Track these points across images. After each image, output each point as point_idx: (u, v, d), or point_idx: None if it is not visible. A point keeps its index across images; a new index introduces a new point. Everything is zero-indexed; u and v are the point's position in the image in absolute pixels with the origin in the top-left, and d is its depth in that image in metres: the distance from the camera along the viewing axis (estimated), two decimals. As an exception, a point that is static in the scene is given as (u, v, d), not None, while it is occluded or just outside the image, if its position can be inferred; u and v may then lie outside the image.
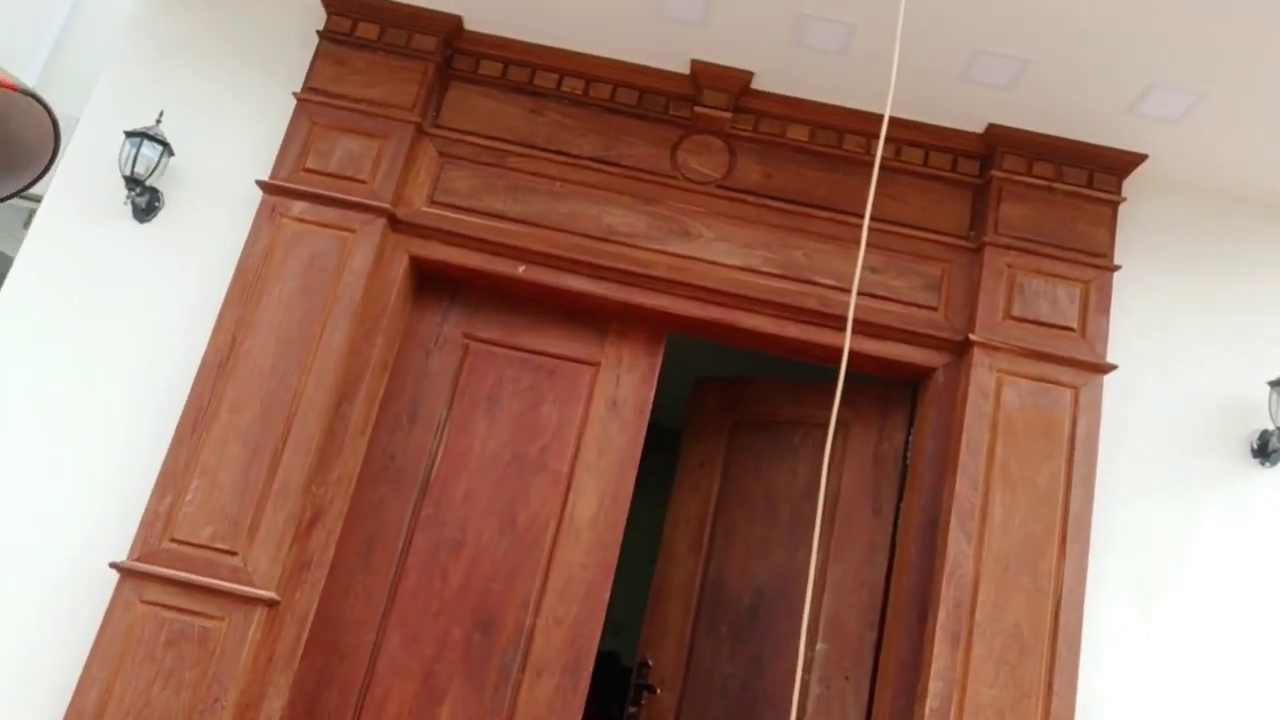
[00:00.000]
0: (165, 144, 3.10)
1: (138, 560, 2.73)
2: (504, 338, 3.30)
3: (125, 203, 3.10)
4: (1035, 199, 3.19)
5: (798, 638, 3.15)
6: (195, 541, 2.75)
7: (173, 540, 2.75)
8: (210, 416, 2.86)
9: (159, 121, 3.15)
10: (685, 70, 3.28)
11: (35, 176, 0.79)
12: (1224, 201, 3.30)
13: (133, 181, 3.06)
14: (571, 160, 3.24)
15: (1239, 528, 3.02)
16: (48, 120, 0.72)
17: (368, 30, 3.28)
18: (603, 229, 3.19)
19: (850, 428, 3.40)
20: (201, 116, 3.27)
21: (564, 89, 3.32)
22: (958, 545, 2.85)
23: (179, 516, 2.77)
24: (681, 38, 3.13)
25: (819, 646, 3.15)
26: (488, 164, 3.24)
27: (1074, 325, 3.08)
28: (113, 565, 2.71)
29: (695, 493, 3.61)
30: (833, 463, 3.37)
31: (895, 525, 3.19)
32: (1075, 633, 2.78)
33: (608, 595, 3.06)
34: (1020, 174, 3.21)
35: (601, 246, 3.17)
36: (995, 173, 3.20)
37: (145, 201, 3.13)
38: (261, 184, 3.09)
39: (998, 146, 3.22)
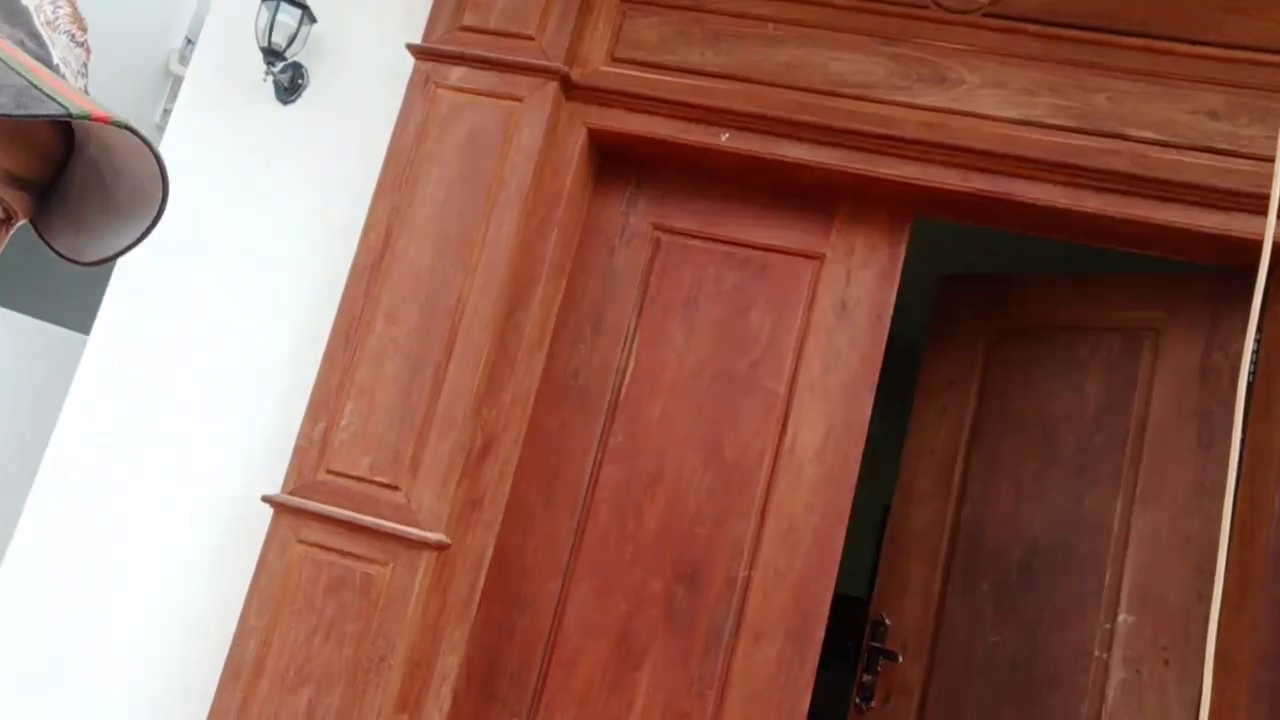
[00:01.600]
0: (305, 7, 2.63)
1: (292, 493, 2.36)
2: (703, 227, 2.67)
3: (266, 80, 2.68)
4: None
5: (1091, 606, 2.44)
6: (353, 474, 2.35)
7: (329, 472, 2.37)
8: (364, 327, 2.43)
9: (296, -17, 2.68)
10: None
11: (153, 220, 0.62)
12: None
13: (272, 54, 2.62)
14: (787, -7, 2.52)
15: None
16: (149, 154, 0.56)
17: None
18: (829, 79, 2.46)
19: (1163, 333, 2.56)
20: (344, -24, 2.78)
21: (773, -99, 2.57)
22: (1351, 497, 2.02)
23: (334, 444, 2.37)
24: None
25: (1122, 618, 2.42)
26: (682, 6, 2.57)
27: None
28: (266, 499, 2.36)
29: (944, 417, 2.90)
30: (1139, 379, 2.56)
31: (1238, 465, 2.36)
32: None
33: (840, 545, 2.44)
34: None
35: (828, 103, 2.45)
36: None
37: (288, 79, 2.69)
38: (412, 48, 2.57)
39: None
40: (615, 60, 2.58)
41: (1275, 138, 2.25)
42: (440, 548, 2.32)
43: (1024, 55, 2.40)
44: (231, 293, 2.69)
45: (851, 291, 2.56)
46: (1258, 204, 2.25)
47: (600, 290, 2.67)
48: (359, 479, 2.34)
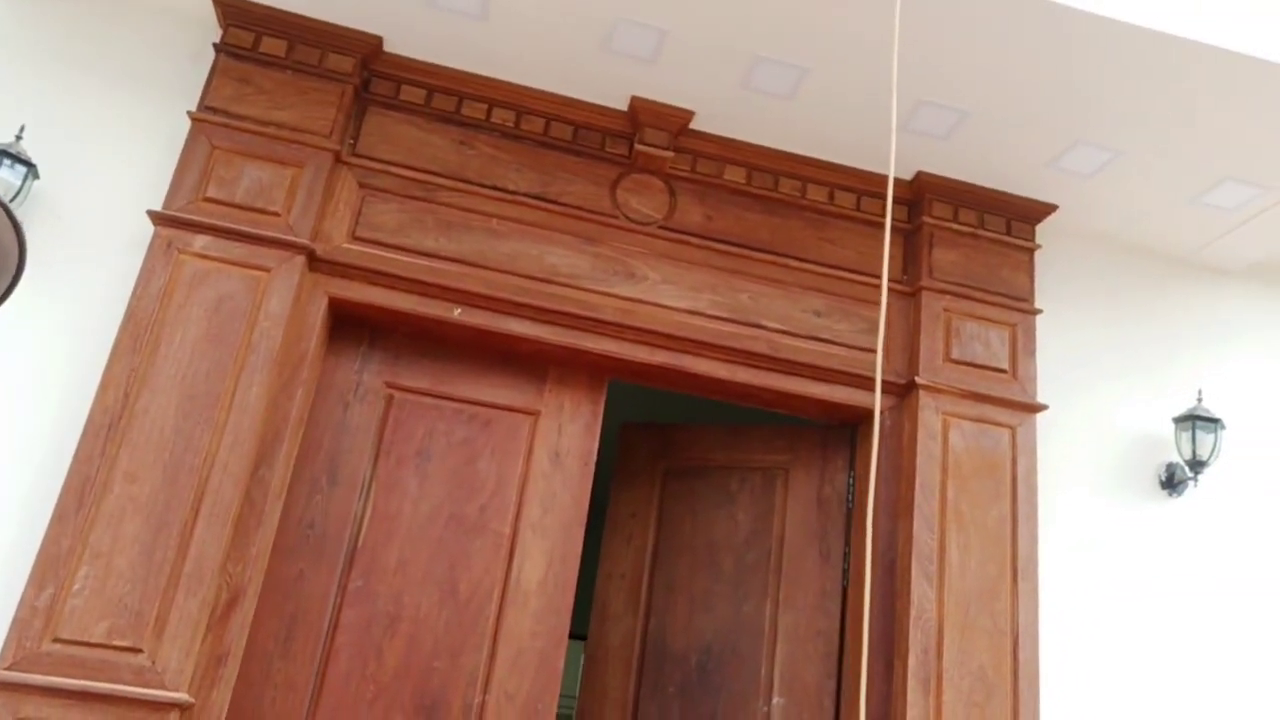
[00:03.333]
0: (30, 164, 2.63)
1: (10, 668, 2.23)
2: (433, 386, 3.01)
3: (-22, 233, 2.59)
4: (962, 245, 3.29)
5: (753, 694, 3.05)
6: (87, 640, 2.29)
7: (57, 640, 2.28)
8: (100, 488, 2.41)
9: (19, 138, 2.66)
10: (622, 106, 3.16)
11: (6, 288, 0.68)
12: (1128, 252, 3.55)
13: (-11, 208, 2.56)
14: (508, 196, 3.03)
15: (1150, 556, 3.20)
16: (6, 221, 0.62)
17: (273, 46, 2.94)
18: (545, 270, 2.99)
19: (790, 472, 3.35)
20: (71, 137, 2.81)
21: (494, 120, 3.11)
22: (920, 589, 2.85)
23: (64, 611, 2.30)
24: (624, 73, 3.01)
25: (776, 700, 3.05)
26: (415, 198, 2.97)
27: (1006, 367, 3.18)
28: (-22, 677, 2.21)
29: (629, 544, 3.44)
30: (775, 508, 3.31)
31: (845, 571, 3.16)
32: (1034, 670, 2.83)
33: (562, 665, 2.83)
34: (948, 220, 3.30)
35: (545, 289, 2.97)
36: (926, 218, 3.28)
37: (2, 232, 2.62)
38: (155, 215, 2.68)
39: (926, 193, 3.30)
40: (356, 239, 2.89)
41: (860, 332, 3.16)
42: (185, 708, 2.33)
43: (690, 261, 3.12)
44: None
45: (563, 442, 3.04)
46: (846, 378, 3.12)
47: (335, 444, 2.88)
48: (94, 645, 2.29)
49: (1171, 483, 3.24)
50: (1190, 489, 3.23)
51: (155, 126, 2.85)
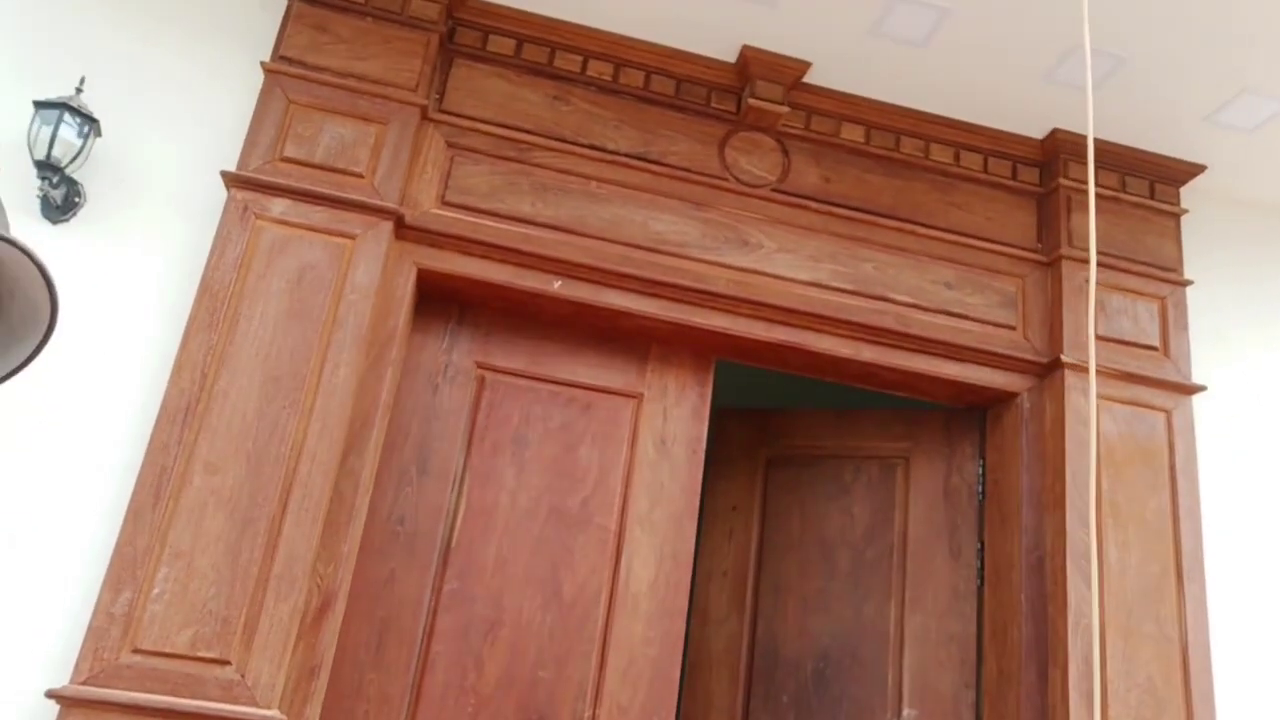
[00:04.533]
0: (92, 120, 2.36)
1: (86, 683, 1.98)
2: (527, 367, 2.74)
3: (36, 195, 2.33)
4: (1104, 209, 2.97)
5: (879, 705, 2.76)
6: (170, 651, 2.03)
7: (136, 651, 2.02)
8: (179, 480, 2.15)
9: (79, 90, 2.40)
10: (729, 58, 2.86)
11: (40, 341, 0.64)
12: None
13: (47, 168, 2.30)
14: (608, 157, 2.74)
15: (1319, 553, 2.88)
16: (39, 276, 0.58)
17: (352, -9, 2.66)
18: (651, 237, 2.70)
19: (911, 460, 3.05)
20: (134, 91, 2.54)
21: (590, 73, 2.82)
22: (1078, 591, 2.55)
23: (144, 618, 2.04)
24: (736, 20, 2.70)
25: (906, 712, 2.77)
26: (508, 158, 2.69)
27: (1157, 344, 2.87)
28: (50, 694, 1.96)
29: (731, 540, 3.16)
30: (895, 500, 3.02)
31: (980, 569, 2.86)
32: (1207, 682, 2.53)
33: (679, 673, 2.56)
34: (1085, 183, 2.98)
35: (651, 258, 2.68)
36: (1062, 180, 2.96)
37: (62, 195, 2.37)
38: (229, 176, 2.41)
39: (1061, 153, 2.98)
40: (446, 204, 2.61)
41: (994, 306, 2.86)
42: (277, 727, 2.07)
43: (807, 227, 2.82)
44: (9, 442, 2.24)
45: (669, 428, 2.76)
46: (981, 357, 2.82)
47: (424, 429, 2.61)
48: (178, 656, 2.03)
49: (1338, 472, 2.92)
50: (1361, 478, 2.91)
51: (225, 79, 2.58)
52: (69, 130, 2.31)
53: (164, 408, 2.20)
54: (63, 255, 2.35)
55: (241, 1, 2.68)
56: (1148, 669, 2.51)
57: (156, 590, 2.06)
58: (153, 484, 2.13)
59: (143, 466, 2.15)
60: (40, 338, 0.63)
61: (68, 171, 2.34)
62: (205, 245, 2.41)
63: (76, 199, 2.39)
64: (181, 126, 2.52)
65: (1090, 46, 2.62)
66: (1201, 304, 3.02)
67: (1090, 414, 1.31)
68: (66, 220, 2.39)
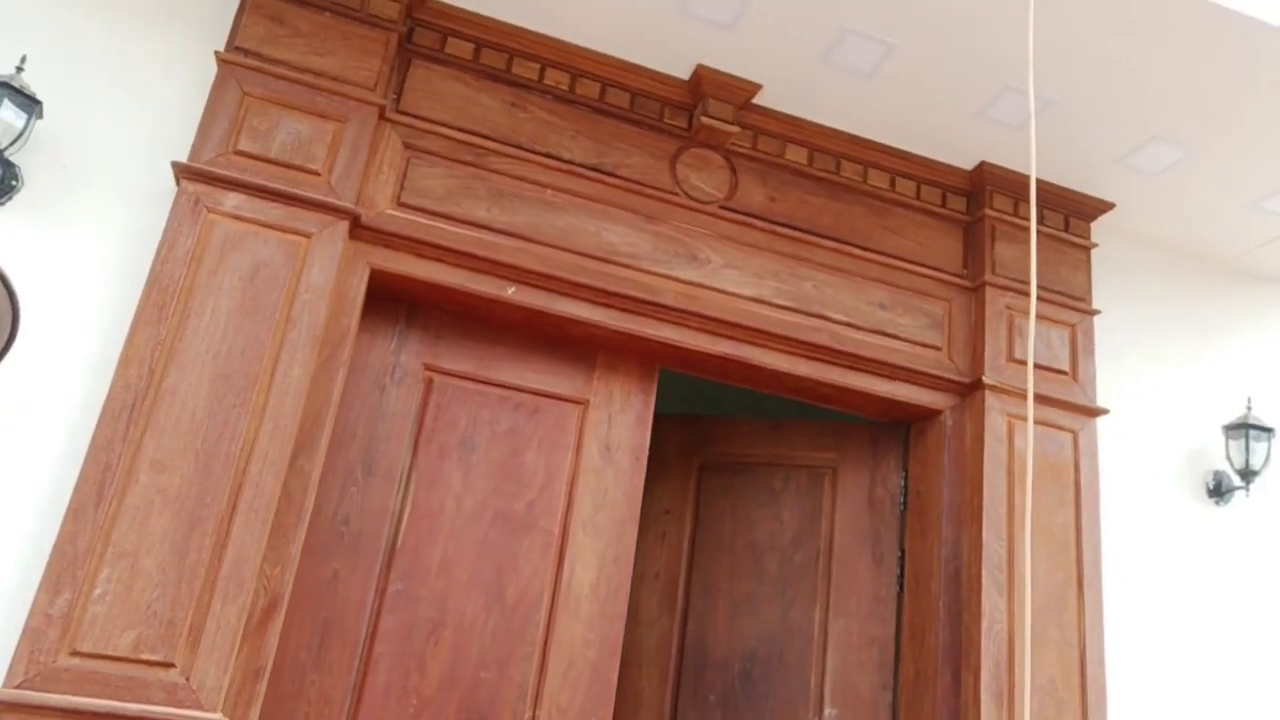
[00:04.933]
0: (35, 101, 2.27)
1: (20, 686, 1.92)
2: (476, 370, 2.76)
3: (-30, 178, 2.24)
4: (1022, 240, 3.17)
5: (801, 704, 2.90)
6: (111, 653, 1.99)
7: (76, 654, 1.97)
8: (124, 478, 2.10)
9: (20, 69, 2.31)
10: (683, 75, 2.94)
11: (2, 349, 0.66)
12: (1181, 255, 3.48)
13: (-16, 149, 2.21)
14: (563, 166, 2.78)
15: (1200, 565, 3.15)
16: None
17: (311, -16, 2.62)
18: (604, 248, 2.76)
19: (839, 471, 3.20)
20: (79, 74, 2.45)
21: (547, 81, 2.85)
22: (991, 599, 2.73)
23: (84, 619, 1.99)
24: (693, 39, 2.78)
25: (828, 712, 2.91)
26: (465, 162, 2.70)
27: (1066, 368, 3.08)
28: (-16, 697, 1.89)
29: (663, 542, 3.25)
30: (823, 508, 3.16)
31: (900, 576, 3.02)
32: (1101, 684, 2.75)
33: (615, 678, 2.63)
34: (1008, 214, 3.18)
35: (604, 268, 2.74)
36: (988, 210, 3.15)
37: (-2, 177, 2.27)
38: (180, 168, 2.35)
39: (987, 185, 3.17)
40: (401, 205, 2.61)
41: (923, 327, 3.02)
42: (222, 730, 2.05)
43: (753, 244, 2.92)
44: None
45: (614, 434, 2.82)
46: (909, 375, 2.98)
47: (371, 430, 2.61)
48: (120, 659, 1.99)
49: (1219, 491, 3.20)
50: (1240, 498, 3.19)
51: (175, 66, 2.52)
52: (8, 111, 2.22)
53: (109, 402, 2.14)
54: (4, 238, 2.26)
55: (193, -14, 2.61)
56: (1050, 671, 2.71)
57: (98, 591, 2.01)
58: (96, 481, 2.08)
59: (85, 463, 2.09)
60: (2, 344, 0.66)
61: (6, 154, 2.25)
62: (152, 237, 2.35)
63: (14, 182, 2.30)
64: (128, 113, 2.45)
65: (1022, 87, 2.80)
66: (1104, 332, 3.25)
67: (1028, 434, 1.43)
68: (2, 204, 2.29)
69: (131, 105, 2.46)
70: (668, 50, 2.85)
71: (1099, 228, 3.34)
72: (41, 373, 2.20)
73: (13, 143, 2.24)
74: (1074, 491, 2.93)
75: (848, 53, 2.75)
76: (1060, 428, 2.99)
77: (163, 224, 2.34)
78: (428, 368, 2.72)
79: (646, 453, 2.84)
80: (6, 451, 2.13)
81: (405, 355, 2.71)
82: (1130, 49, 2.60)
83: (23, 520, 2.10)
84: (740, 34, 2.74)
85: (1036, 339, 3.07)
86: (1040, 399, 2.99)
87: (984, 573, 2.75)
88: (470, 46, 2.80)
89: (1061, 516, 2.89)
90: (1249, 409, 3.22)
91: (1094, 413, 3.05)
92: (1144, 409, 3.25)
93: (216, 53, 2.48)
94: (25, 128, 2.26)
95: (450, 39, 2.79)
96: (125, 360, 2.18)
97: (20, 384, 2.18)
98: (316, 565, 2.45)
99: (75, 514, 2.05)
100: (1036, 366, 3.04)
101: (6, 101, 2.21)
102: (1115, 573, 3.01)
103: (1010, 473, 2.88)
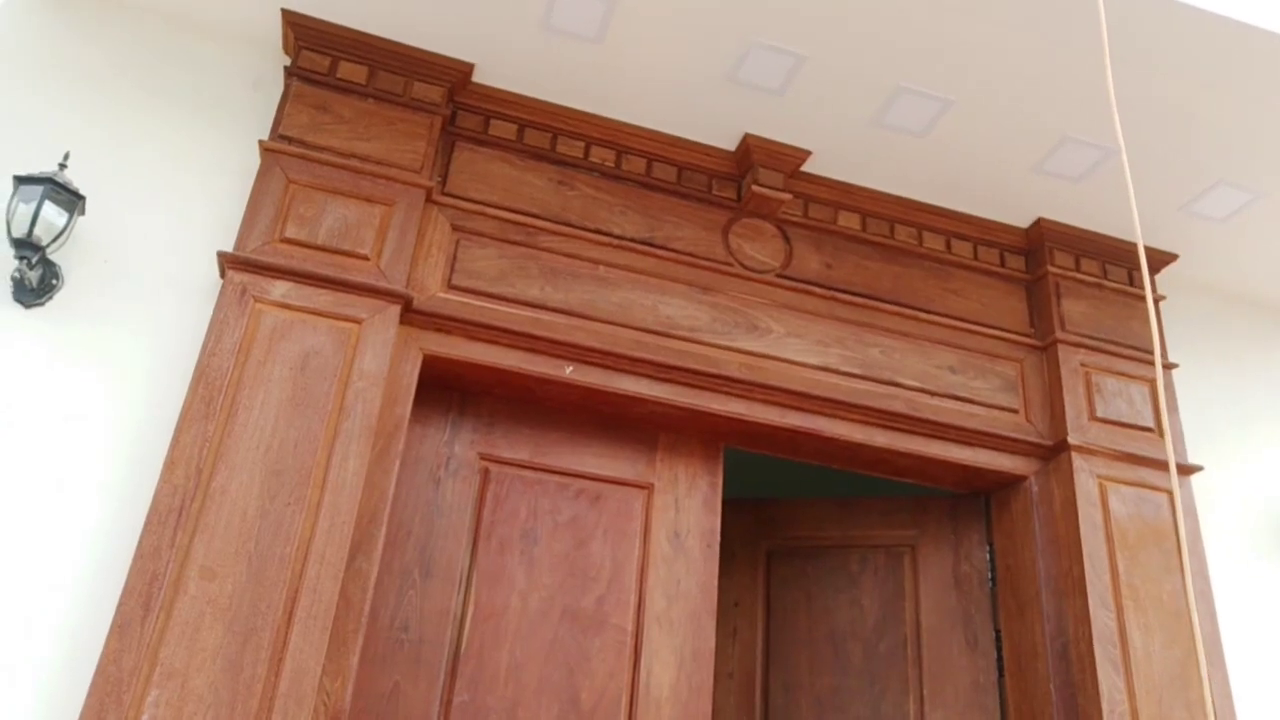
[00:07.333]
0: (78, 196, 2.19)
1: (59, 831, 1.71)
2: (532, 458, 2.60)
3: (11, 277, 2.14)
4: (1089, 295, 3.05)
5: (906, 809, 2.62)
6: (161, 788, 1.78)
7: (121, 790, 1.76)
8: (172, 588, 1.92)
9: (63, 166, 2.24)
10: (729, 145, 2.88)
11: None
12: (1246, 304, 3.36)
13: (27, 246, 2.11)
14: (614, 241, 2.69)
15: (1317, 631, 2.91)
16: None
17: (353, 71, 2.59)
18: (661, 321, 2.64)
19: (918, 548, 2.99)
20: (122, 170, 2.38)
21: (593, 159, 2.79)
22: (1108, 678, 2.49)
23: (130, 750, 1.79)
24: (740, 109, 2.73)
25: (936, 818, 2.63)
26: (515, 242, 2.61)
27: (1152, 425, 2.91)
28: (19, 847, 1.68)
29: (735, 639, 3.02)
30: (905, 590, 2.94)
31: (998, 659, 2.78)
32: (1241, 769, 2.48)
33: (706, 787, 2.38)
34: (1071, 270, 3.07)
35: (663, 342, 2.61)
36: (1050, 268, 3.04)
37: (38, 276, 2.17)
38: (226, 257, 2.25)
39: (1046, 241, 3.07)
40: (453, 288, 2.50)
41: (996, 390, 2.87)
42: None
43: (813, 312, 2.80)
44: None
45: (682, 520, 2.64)
46: (989, 440, 2.81)
47: (426, 527, 2.44)
48: (170, 794, 1.78)
49: (1321, 548, 2.98)
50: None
51: (220, 157, 2.46)
52: (50, 209, 2.13)
53: (154, 507, 1.98)
54: (35, 340, 2.14)
55: (234, 82, 2.58)
56: (1184, 758, 2.45)
57: (145, 717, 1.81)
58: (141, 593, 1.90)
59: (130, 574, 1.92)
60: None
61: (48, 253, 2.16)
62: (198, 330, 2.24)
63: (54, 281, 2.20)
64: (171, 205, 2.37)
65: (1082, 138, 2.73)
66: (1181, 386, 3.10)
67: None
68: (41, 304, 2.19)
69: (174, 197, 2.38)
70: (714, 120, 2.79)
71: (1163, 279, 3.23)
72: (81, 479, 2.05)
73: (53, 241, 2.15)
74: (1177, 556, 2.72)
75: (902, 112, 2.68)
76: (1154, 488, 2.80)
77: (208, 317, 2.23)
78: (483, 457, 2.56)
79: (718, 538, 2.65)
80: (37, 568, 1.96)
81: (459, 445, 2.55)
82: (1190, 93, 2.53)
83: (58, 643, 1.91)
84: (788, 100, 2.68)
85: (1117, 396, 2.92)
86: (1131, 458, 2.81)
87: (1096, 648, 2.52)
88: (514, 127, 2.75)
89: (1170, 584, 2.67)
90: (1342, 459, 3.03)
91: (1188, 470, 2.87)
92: (1235, 465, 3.06)
93: (260, 141, 2.42)
94: (66, 226, 2.17)
95: (494, 120, 2.74)
96: (172, 461, 2.03)
97: (51, 490, 2.03)
98: (376, 677, 2.24)
99: (120, 629, 1.87)
100: (1121, 424, 2.88)
101: (48, 201, 2.13)
102: (1231, 644, 2.77)
103: (1110, 538, 2.68)
